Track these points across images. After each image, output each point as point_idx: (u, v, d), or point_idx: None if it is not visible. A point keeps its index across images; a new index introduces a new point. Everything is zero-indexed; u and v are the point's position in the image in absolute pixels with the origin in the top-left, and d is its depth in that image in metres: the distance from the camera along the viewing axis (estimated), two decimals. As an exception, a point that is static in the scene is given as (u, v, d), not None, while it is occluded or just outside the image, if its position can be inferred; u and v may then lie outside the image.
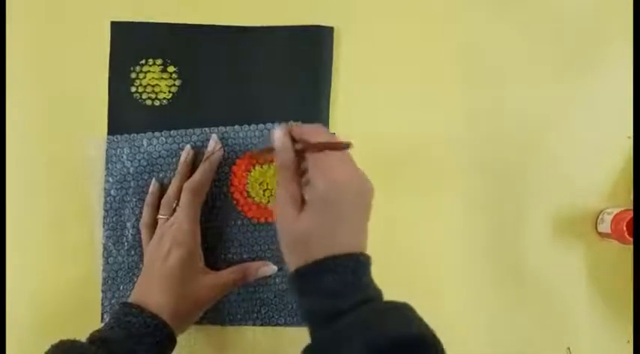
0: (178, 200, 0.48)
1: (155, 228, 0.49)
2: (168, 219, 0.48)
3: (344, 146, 0.40)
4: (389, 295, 0.52)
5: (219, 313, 0.51)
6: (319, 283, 0.38)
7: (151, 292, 0.45)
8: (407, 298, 0.52)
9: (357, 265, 0.38)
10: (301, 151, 0.41)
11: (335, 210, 0.38)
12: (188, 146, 0.51)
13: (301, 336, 0.51)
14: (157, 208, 0.50)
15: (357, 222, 0.40)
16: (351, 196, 0.39)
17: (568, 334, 0.53)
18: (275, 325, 0.51)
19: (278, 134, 0.42)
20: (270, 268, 0.51)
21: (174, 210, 0.48)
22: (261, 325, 0.52)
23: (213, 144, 0.51)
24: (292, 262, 0.39)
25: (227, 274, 0.49)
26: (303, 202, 0.40)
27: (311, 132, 0.42)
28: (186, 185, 0.48)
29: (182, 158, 0.51)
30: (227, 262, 0.51)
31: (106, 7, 0.53)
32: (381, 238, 0.51)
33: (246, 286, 0.51)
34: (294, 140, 0.42)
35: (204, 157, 0.50)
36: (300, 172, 0.42)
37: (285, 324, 0.51)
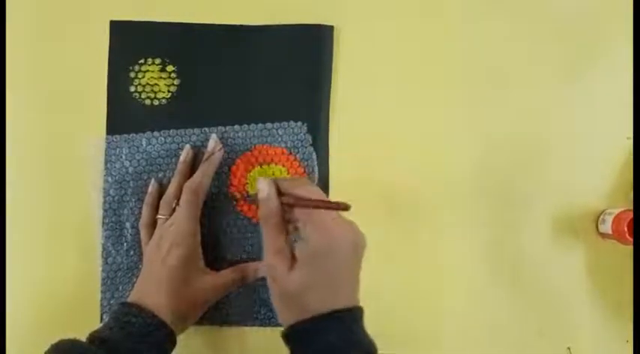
0: (178, 200, 0.48)
1: (154, 228, 0.49)
2: (167, 219, 0.48)
3: (342, 207, 0.40)
4: (390, 294, 0.52)
5: (219, 313, 0.51)
6: (317, 339, 0.38)
7: (151, 292, 0.45)
8: (407, 297, 0.52)
9: (354, 318, 0.39)
10: (290, 206, 0.41)
11: (330, 265, 0.38)
12: (188, 146, 0.51)
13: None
14: (156, 208, 0.49)
15: (352, 275, 0.40)
16: (346, 251, 0.39)
17: (568, 334, 0.53)
18: (275, 326, 0.51)
19: (262, 185, 0.42)
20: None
21: (174, 210, 0.48)
22: (261, 325, 0.52)
23: (214, 144, 0.50)
24: (286, 318, 0.39)
25: (227, 274, 0.48)
26: (292, 257, 0.40)
27: (301, 188, 0.42)
28: (187, 185, 0.48)
29: (182, 158, 0.50)
30: (227, 262, 0.51)
31: (105, 6, 0.52)
32: (380, 237, 0.52)
33: (246, 286, 0.51)
34: (280, 193, 0.42)
35: (205, 156, 0.50)
36: (285, 225, 0.42)
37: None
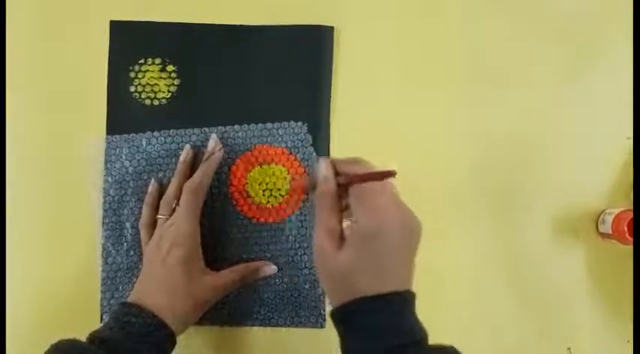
0: (178, 200, 0.48)
1: (154, 228, 0.48)
2: (167, 219, 0.48)
3: (388, 174, 0.40)
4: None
5: (219, 313, 0.51)
6: (366, 321, 0.37)
7: (150, 292, 0.45)
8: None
9: (404, 303, 0.38)
10: (344, 185, 0.41)
11: (379, 248, 0.38)
12: (188, 146, 0.51)
13: (301, 336, 0.52)
14: (156, 208, 0.49)
15: (403, 259, 0.39)
16: (396, 233, 0.38)
17: (568, 334, 0.53)
18: (275, 326, 0.51)
19: (322, 165, 0.42)
20: (270, 268, 0.51)
21: (174, 210, 0.48)
22: (261, 325, 0.51)
23: (213, 144, 0.50)
24: (334, 298, 0.39)
25: (227, 275, 0.48)
26: (342, 237, 0.39)
27: (352, 165, 0.41)
28: (187, 185, 0.48)
29: (182, 158, 0.50)
30: (227, 262, 0.51)
31: (105, 6, 0.52)
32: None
33: (246, 286, 0.51)
34: (336, 173, 0.42)
35: (205, 157, 0.50)
36: (340, 206, 0.41)
37: (285, 324, 0.51)
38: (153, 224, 0.49)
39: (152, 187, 0.50)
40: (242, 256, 0.51)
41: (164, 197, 0.49)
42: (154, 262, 0.46)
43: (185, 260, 0.46)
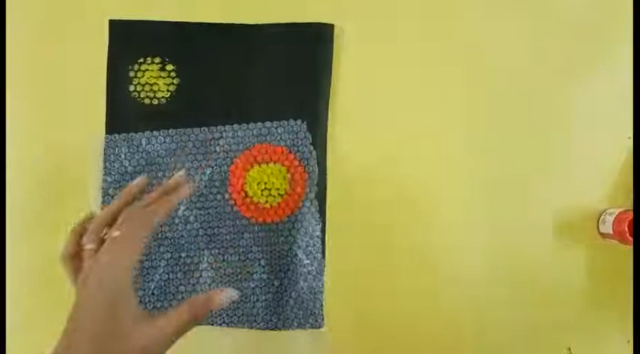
0: (109, 228, 0.39)
1: (81, 261, 0.40)
2: (96, 251, 0.39)
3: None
4: (388, 293, 0.52)
5: (218, 314, 0.51)
6: None
7: (76, 348, 0.35)
8: (407, 296, 0.52)
9: None
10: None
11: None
12: (144, 177, 0.45)
13: (300, 337, 0.52)
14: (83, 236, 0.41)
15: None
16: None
17: (568, 334, 0.53)
18: (274, 329, 0.51)
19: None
20: (226, 295, 0.40)
21: (103, 240, 0.39)
22: (259, 328, 0.51)
23: (179, 178, 0.45)
24: None
25: (172, 319, 0.37)
26: None
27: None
28: (134, 210, 0.40)
29: (134, 182, 0.44)
30: (226, 262, 0.51)
31: (105, 5, 0.52)
32: (379, 236, 0.52)
33: (244, 290, 0.51)
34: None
35: (167, 186, 0.44)
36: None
37: (284, 327, 0.51)
38: (78, 255, 0.40)
39: (84, 214, 0.43)
40: (239, 256, 0.51)
41: (93, 223, 0.40)
42: (76, 312, 0.37)
43: (115, 309, 0.36)
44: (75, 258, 0.40)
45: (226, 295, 0.40)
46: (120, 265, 0.37)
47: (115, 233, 0.38)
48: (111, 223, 0.40)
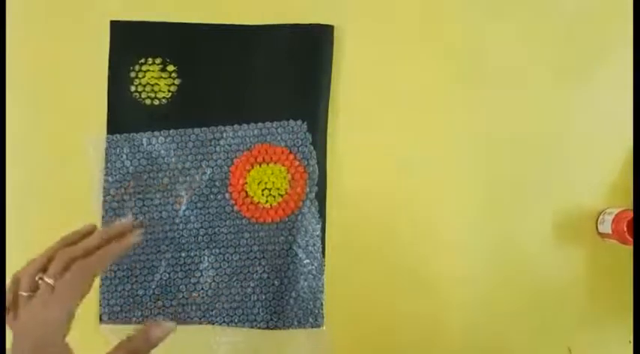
0: (44, 272, 0.36)
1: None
2: (30, 298, 0.36)
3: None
4: (389, 293, 0.52)
5: (217, 313, 0.51)
6: None
7: None
8: (406, 296, 0.52)
9: None
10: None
11: None
12: (88, 224, 0.42)
13: (300, 336, 0.51)
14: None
15: None
16: None
17: (568, 334, 0.53)
18: (274, 329, 0.51)
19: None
20: (163, 328, 0.38)
21: (38, 286, 0.36)
22: (260, 328, 0.51)
23: (125, 224, 0.43)
24: None
25: None
26: None
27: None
28: (73, 257, 0.37)
29: (79, 228, 0.41)
30: (227, 262, 0.51)
31: (106, 6, 0.53)
32: (379, 235, 0.52)
33: (244, 289, 0.51)
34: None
35: (111, 231, 0.41)
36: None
37: (284, 327, 0.51)
38: (16, 301, 0.37)
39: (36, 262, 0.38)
40: (240, 256, 0.51)
41: (28, 267, 0.37)
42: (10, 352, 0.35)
43: None
44: (14, 303, 0.37)
45: (163, 328, 0.38)
46: (50, 318, 0.35)
47: (49, 281, 0.36)
48: (47, 267, 0.37)
